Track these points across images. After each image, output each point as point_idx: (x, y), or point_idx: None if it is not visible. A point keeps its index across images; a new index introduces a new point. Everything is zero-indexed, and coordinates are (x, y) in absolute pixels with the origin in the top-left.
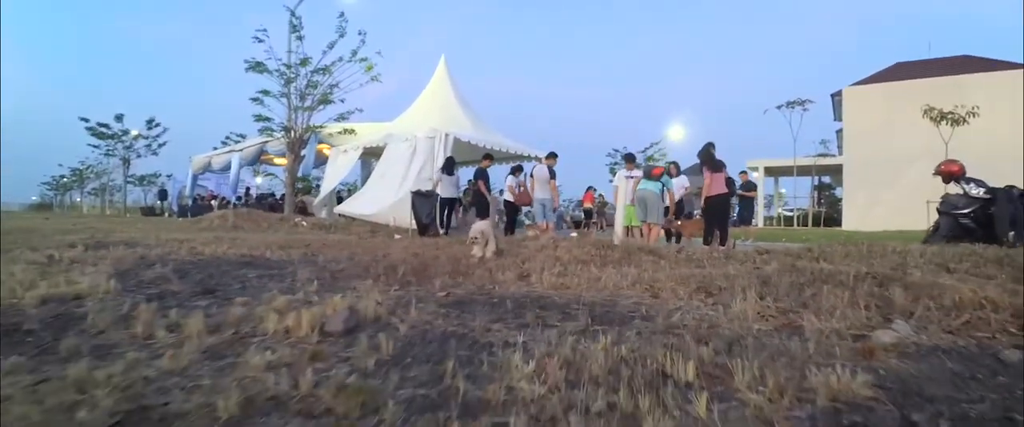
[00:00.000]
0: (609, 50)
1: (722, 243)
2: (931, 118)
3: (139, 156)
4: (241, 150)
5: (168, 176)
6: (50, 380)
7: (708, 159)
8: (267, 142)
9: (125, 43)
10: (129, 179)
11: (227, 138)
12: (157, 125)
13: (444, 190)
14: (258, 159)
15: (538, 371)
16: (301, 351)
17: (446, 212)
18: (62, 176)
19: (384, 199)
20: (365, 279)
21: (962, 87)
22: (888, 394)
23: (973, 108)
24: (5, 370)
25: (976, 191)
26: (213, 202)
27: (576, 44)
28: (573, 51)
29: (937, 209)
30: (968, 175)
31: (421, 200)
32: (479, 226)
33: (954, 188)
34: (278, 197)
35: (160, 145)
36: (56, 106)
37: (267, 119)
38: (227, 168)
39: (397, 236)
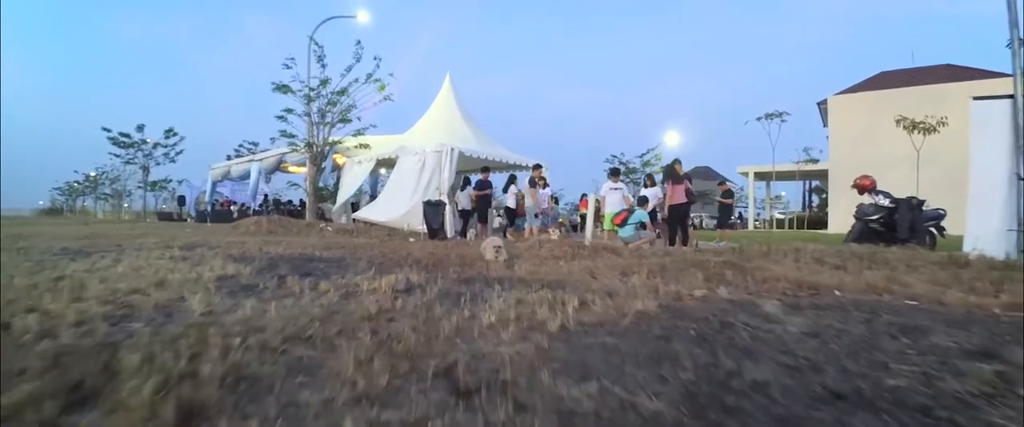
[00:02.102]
0: (612, 53)
1: (685, 243)
2: (904, 127)
3: (158, 164)
4: (261, 160)
5: (179, 182)
6: (276, 311)
7: (671, 174)
8: (286, 153)
9: (133, 49)
10: (140, 185)
11: (241, 146)
12: (175, 134)
13: (461, 202)
14: (277, 168)
15: (504, 301)
16: (388, 297)
17: (464, 221)
18: (75, 181)
19: (398, 207)
20: (403, 267)
21: (943, 96)
22: (665, 311)
23: (942, 118)
24: (250, 306)
25: (883, 201)
26: (233, 208)
27: (579, 47)
28: (576, 54)
29: (854, 216)
30: (878, 188)
31: (431, 209)
32: (493, 241)
33: (867, 198)
34: (297, 204)
35: (177, 153)
36: (57, 113)
37: (292, 136)
38: (245, 176)
39: (411, 239)
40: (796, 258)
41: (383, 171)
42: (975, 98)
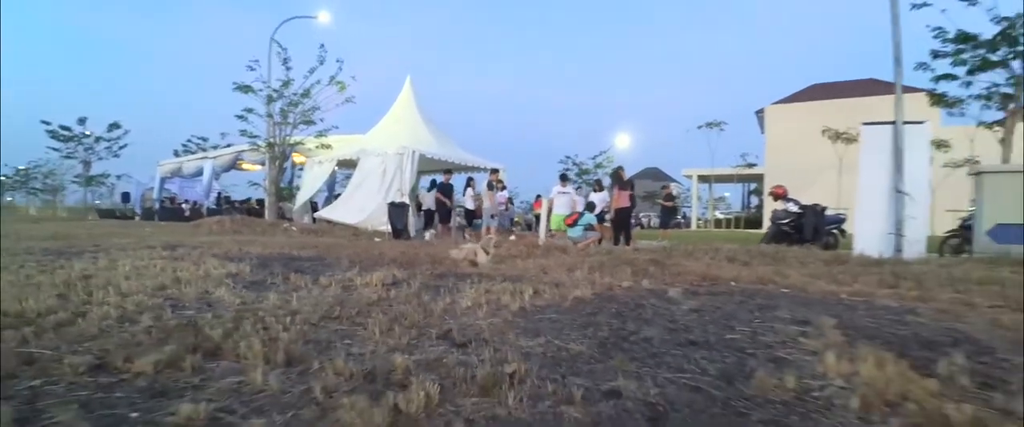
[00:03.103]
0: (571, 56)
1: (627, 243)
2: (828, 137)
3: (100, 159)
4: (215, 157)
5: (118, 177)
6: (297, 300)
7: (617, 180)
8: (243, 151)
9: (74, 41)
10: (76, 179)
11: (189, 141)
12: (119, 127)
13: (426, 203)
14: (233, 166)
15: (475, 290)
16: (381, 289)
17: (426, 221)
18: (3, 176)
19: (362, 208)
20: (382, 266)
21: (868, 108)
22: (597, 297)
23: None
24: (274, 297)
25: (793, 207)
26: (184, 206)
27: (538, 49)
28: (535, 57)
29: (770, 220)
30: (789, 196)
31: (395, 210)
32: (467, 247)
33: (780, 204)
34: (254, 202)
35: (121, 147)
36: None
37: (254, 136)
38: (197, 173)
39: (376, 239)
40: (712, 257)
41: (338, 170)
42: (864, 123)
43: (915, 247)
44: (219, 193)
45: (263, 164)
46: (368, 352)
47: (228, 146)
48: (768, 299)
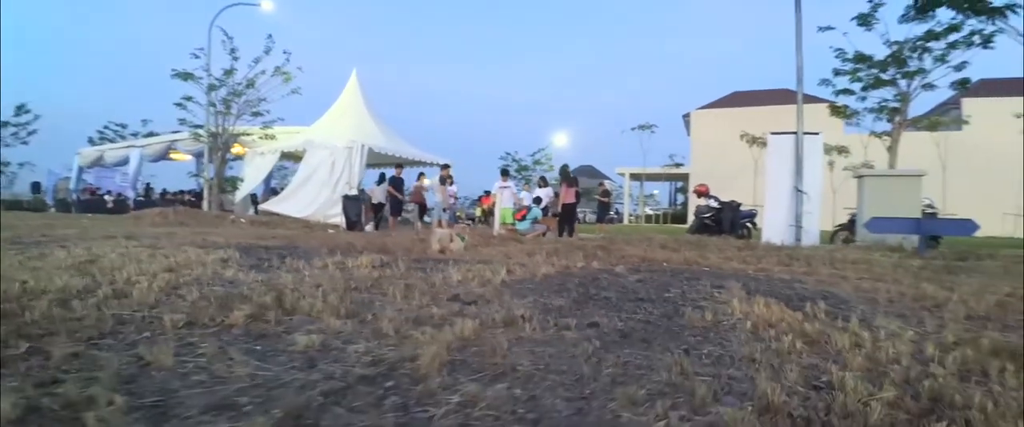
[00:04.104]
0: (513, 56)
1: (570, 235)
2: (746, 141)
3: (7, 146)
4: (144, 146)
5: (20, 165)
6: (309, 276)
7: (565, 176)
8: (176, 139)
9: None
10: None
11: (106, 128)
12: (26, 111)
13: (377, 196)
14: (163, 156)
15: (459, 271)
16: (376, 268)
17: (376, 213)
18: None
19: (310, 201)
20: (361, 253)
21: (781, 116)
22: (560, 274)
23: None
24: (286, 275)
25: (713, 203)
26: (107, 197)
27: (484, 47)
28: (481, 54)
29: (694, 214)
30: (710, 193)
31: (350, 202)
32: (442, 232)
33: (703, 201)
34: (189, 195)
35: (29, 134)
36: None
37: (199, 127)
38: (121, 163)
39: (330, 230)
40: (648, 245)
41: (271, 163)
42: (771, 133)
43: (810, 236)
44: (147, 185)
45: (200, 155)
46: (403, 306)
47: (150, 134)
48: (693, 274)
